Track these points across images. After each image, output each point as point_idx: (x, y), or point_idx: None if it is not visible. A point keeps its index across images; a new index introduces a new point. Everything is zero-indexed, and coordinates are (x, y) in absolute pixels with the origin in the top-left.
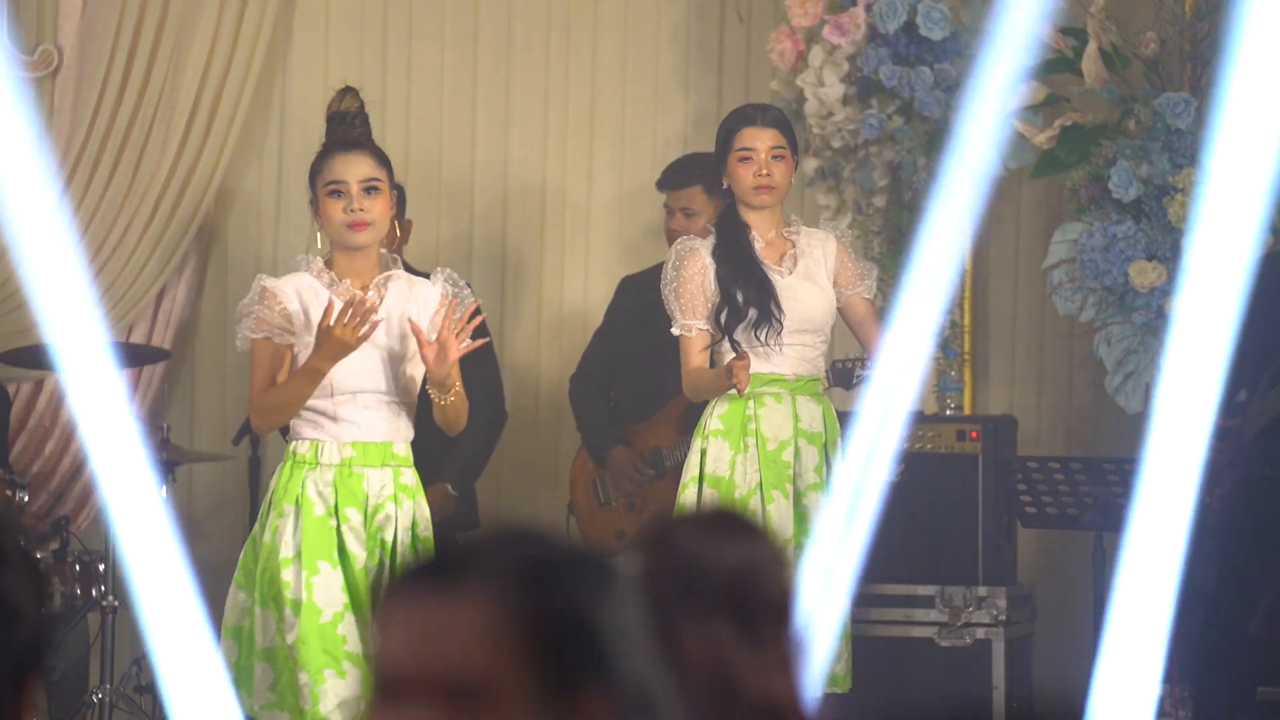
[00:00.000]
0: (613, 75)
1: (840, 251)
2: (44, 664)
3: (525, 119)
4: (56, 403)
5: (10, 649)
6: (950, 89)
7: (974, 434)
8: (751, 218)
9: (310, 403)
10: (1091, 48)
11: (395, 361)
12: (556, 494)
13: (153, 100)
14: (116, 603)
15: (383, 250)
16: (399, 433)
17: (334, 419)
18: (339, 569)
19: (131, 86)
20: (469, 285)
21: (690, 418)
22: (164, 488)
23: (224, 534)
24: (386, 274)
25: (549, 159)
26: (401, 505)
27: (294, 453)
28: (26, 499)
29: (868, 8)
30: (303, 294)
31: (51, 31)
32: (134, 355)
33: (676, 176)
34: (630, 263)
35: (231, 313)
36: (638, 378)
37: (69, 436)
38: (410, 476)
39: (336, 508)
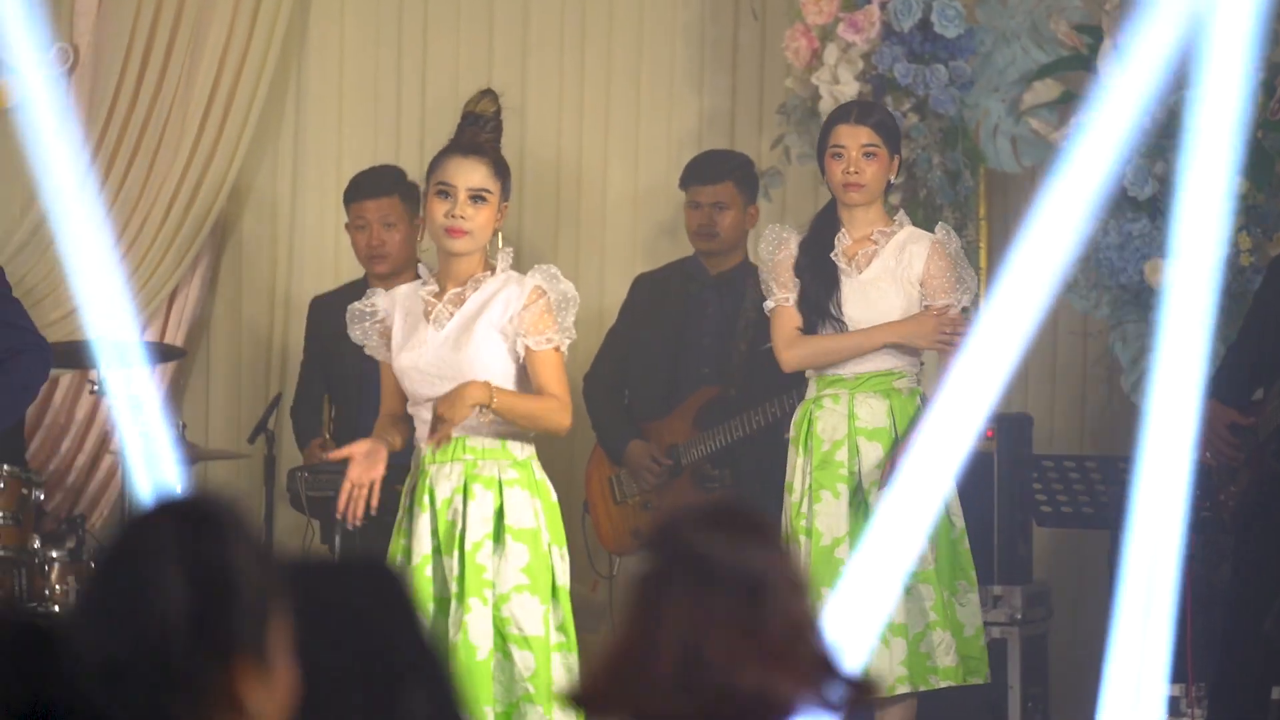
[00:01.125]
0: (627, 74)
1: (932, 256)
2: (263, 649)
3: (540, 118)
4: (72, 400)
5: (222, 624)
6: (964, 86)
7: (989, 433)
8: (844, 215)
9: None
10: (1106, 44)
11: (468, 362)
12: (572, 492)
13: (168, 98)
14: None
15: (507, 250)
16: (476, 429)
17: (421, 423)
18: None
19: (147, 84)
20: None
21: (707, 415)
22: (179, 485)
23: None
24: (477, 277)
25: (563, 158)
26: (473, 496)
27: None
28: (42, 497)
29: (882, 5)
30: (399, 303)
31: (68, 29)
32: (148, 353)
33: (706, 171)
34: (645, 261)
35: (246, 310)
36: (653, 376)
37: (85, 434)
38: (492, 468)
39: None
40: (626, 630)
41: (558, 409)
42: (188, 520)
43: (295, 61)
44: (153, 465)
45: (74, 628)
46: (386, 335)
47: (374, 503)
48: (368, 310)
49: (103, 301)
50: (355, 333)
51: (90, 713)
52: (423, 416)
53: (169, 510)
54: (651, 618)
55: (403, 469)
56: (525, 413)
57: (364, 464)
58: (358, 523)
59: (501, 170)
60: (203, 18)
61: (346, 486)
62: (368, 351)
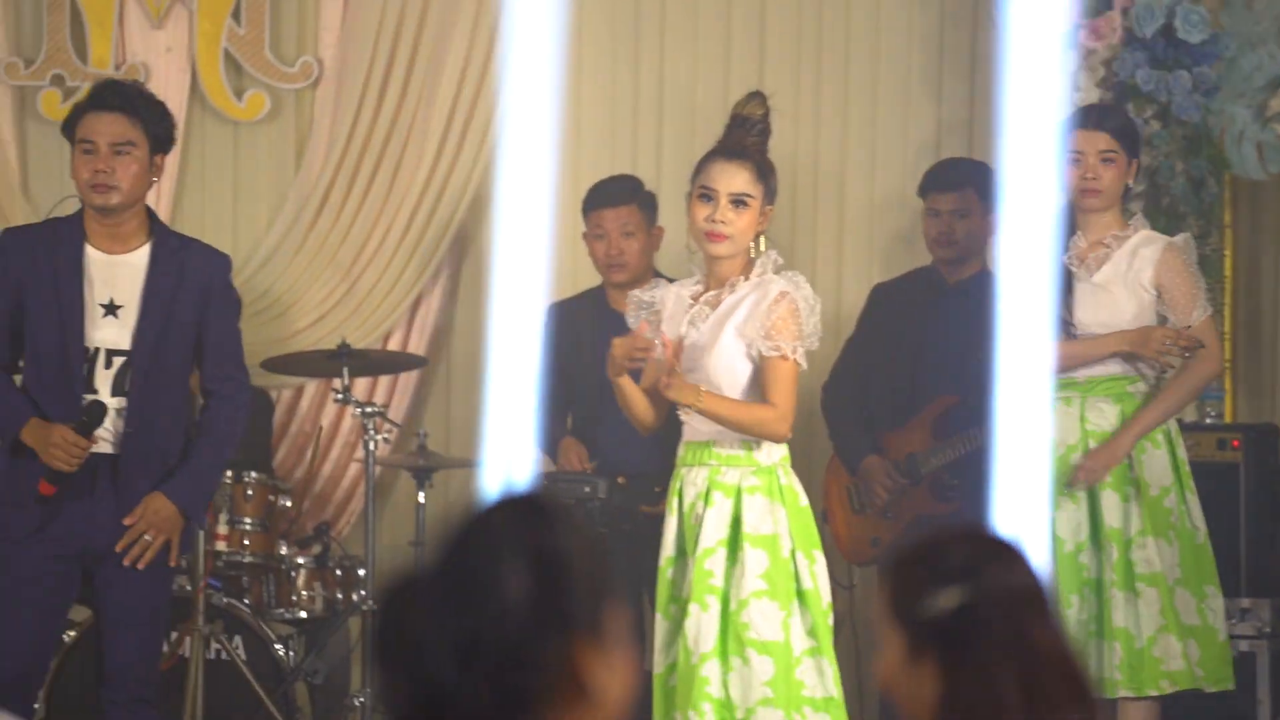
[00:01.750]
0: (864, 82)
1: (1167, 261)
2: (600, 630)
3: (777, 128)
4: (317, 409)
5: (561, 606)
6: (1208, 93)
7: (1235, 443)
8: (1080, 219)
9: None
10: None
11: (713, 365)
12: (809, 501)
13: (410, 109)
14: (377, 607)
15: (770, 253)
16: (728, 432)
17: (684, 423)
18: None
19: (389, 96)
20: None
21: (945, 423)
22: (421, 494)
23: None
24: (733, 281)
25: (799, 166)
26: (712, 503)
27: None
28: (289, 504)
29: (1124, 11)
30: (669, 300)
31: (312, 43)
32: (390, 362)
33: (946, 178)
34: (882, 269)
35: (485, 321)
36: (891, 385)
37: (330, 442)
38: (734, 475)
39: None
40: (949, 678)
41: (773, 419)
42: (525, 511)
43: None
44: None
45: (423, 612)
46: (659, 327)
47: None
48: (647, 299)
49: (348, 311)
50: (632, 320)
51: (442, 691)
52: (683, 418)
53: (507, 503)
54: (977, 661)
55: (649, 478)
56: (734, 421)
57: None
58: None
59: (765, 174)
60: (445, 29)
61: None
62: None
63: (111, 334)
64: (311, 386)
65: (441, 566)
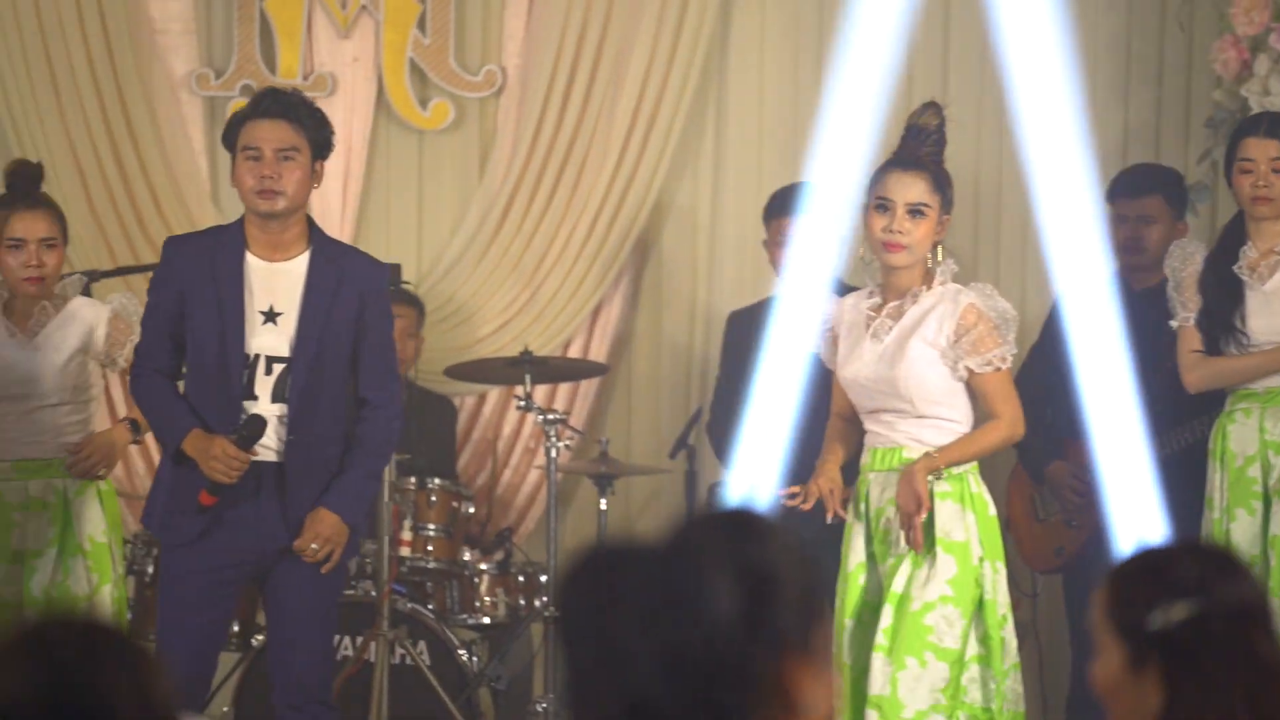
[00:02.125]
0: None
1: None
2: (810, 646)
3: (959, 130)
4: (499, 416)
5: (771, 621)
6: None
7: None
8: (1251, 227)
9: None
10: None
11: (903, 378)
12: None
13: (592, 116)
14: (559, 613)
15: (947, 262)
16: (919, 439)
17: (867, 430)
18: None
19: (572, 103)
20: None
21: None
22: (603, 500)
23: None
24: (915, 291)
25: (983, 172)
26: (884, 512)
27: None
28: (471, 510)
29: None
30: (844, 313)
31: (496, 52)
32: (571, 369)
33: (1133, 184)
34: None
35: (666, 326)
36: (1075, 392)
37: (511, 449)
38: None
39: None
40: (1173, 690)
41: (1007, 427)
42: (734, 527)
43: (716, 79)
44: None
45: (630, 624)
46: (834, 342)
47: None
48: (820, 320)
49: (530, 318)
50: (818, 347)
51: (648, 703)
52: (864, 425)
53: (716, 518)
54: (1203, 674)
55: None
56: (976, 453)
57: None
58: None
59: (942, 183)
60: (627, 37)
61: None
62: (824, 359)
63: (271, 341)
64: (494, 393)
65: (648, 581)
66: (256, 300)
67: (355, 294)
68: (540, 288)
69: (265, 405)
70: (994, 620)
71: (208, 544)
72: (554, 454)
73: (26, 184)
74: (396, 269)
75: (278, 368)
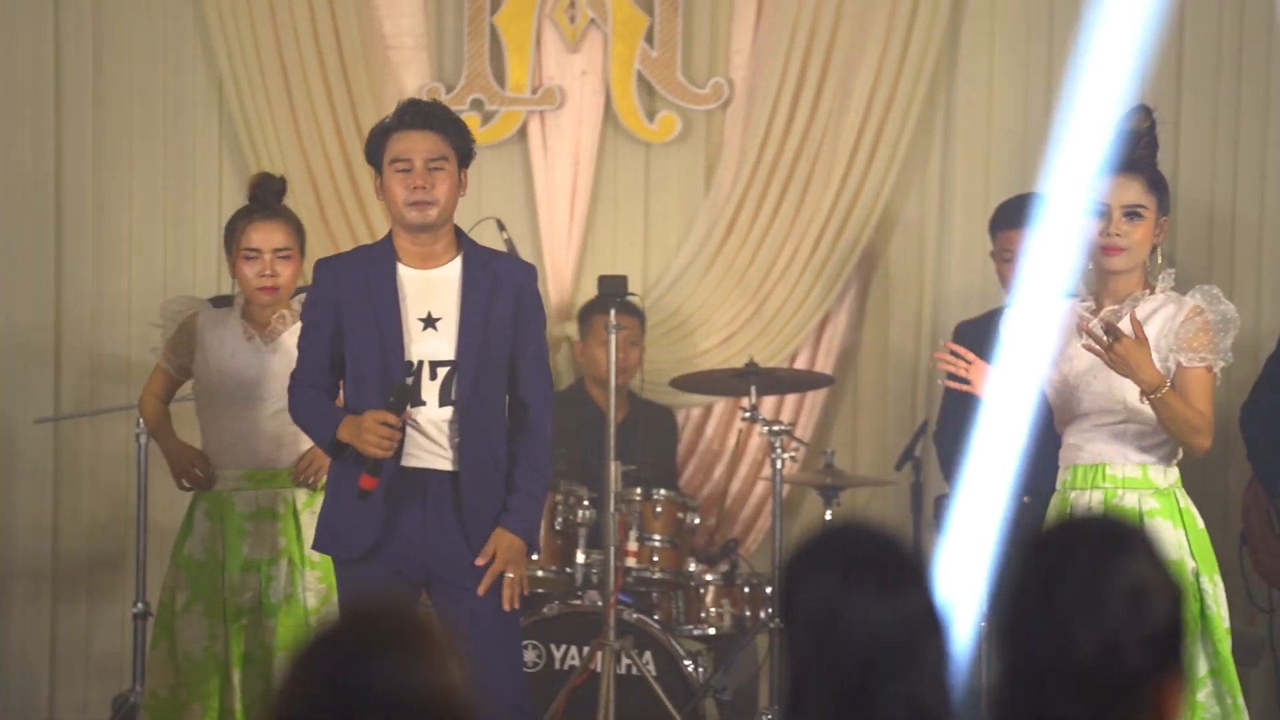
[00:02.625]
0: None
1: None
2: (1183, 662)
3: (1192, 140)
4: (725, 427)
5: (1165, 638)
6: None
7: None
8: None
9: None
10: None
11: (1119, 379)
12: (1226, 523)
13: (819, 129)
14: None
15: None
16: (1124, 454)
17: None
18: None
19: (799, 115)
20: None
21: None
22: (828, 511)
23: None
24: (1135, 296)
25: (1218, 179)
26: None
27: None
28: (696, 521)
29: None
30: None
31: (724, 65)
32: (797, 380)
33: None
34: None
35: (892, 338)
36: None
37: (738, 461)
38: (1133, 498)
39: None
40: None
41: (1203, 428)
42: (1110, 539)
43: (944, 92)
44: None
45: (1026, 631)
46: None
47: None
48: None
49: (755, 330)
50: (1012, 345)
51: (1043, 712)
52: (1067, 438)
53: (1089, 528)
54: None
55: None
56: (1182, 415)
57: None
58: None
59: (1157, 185)
60: (854, 48)
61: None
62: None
63: (433, 346)
64: (719, 405)
65: (1041, 588)
66: (413, 308)
67: (510, 296)
68: (766, 300)
69: (433, 410)
70: (1220, 633)
71: (382, 556)
72: (780, 465)
73: (269, 197)
74: (623, 281)
75: (442, 371)
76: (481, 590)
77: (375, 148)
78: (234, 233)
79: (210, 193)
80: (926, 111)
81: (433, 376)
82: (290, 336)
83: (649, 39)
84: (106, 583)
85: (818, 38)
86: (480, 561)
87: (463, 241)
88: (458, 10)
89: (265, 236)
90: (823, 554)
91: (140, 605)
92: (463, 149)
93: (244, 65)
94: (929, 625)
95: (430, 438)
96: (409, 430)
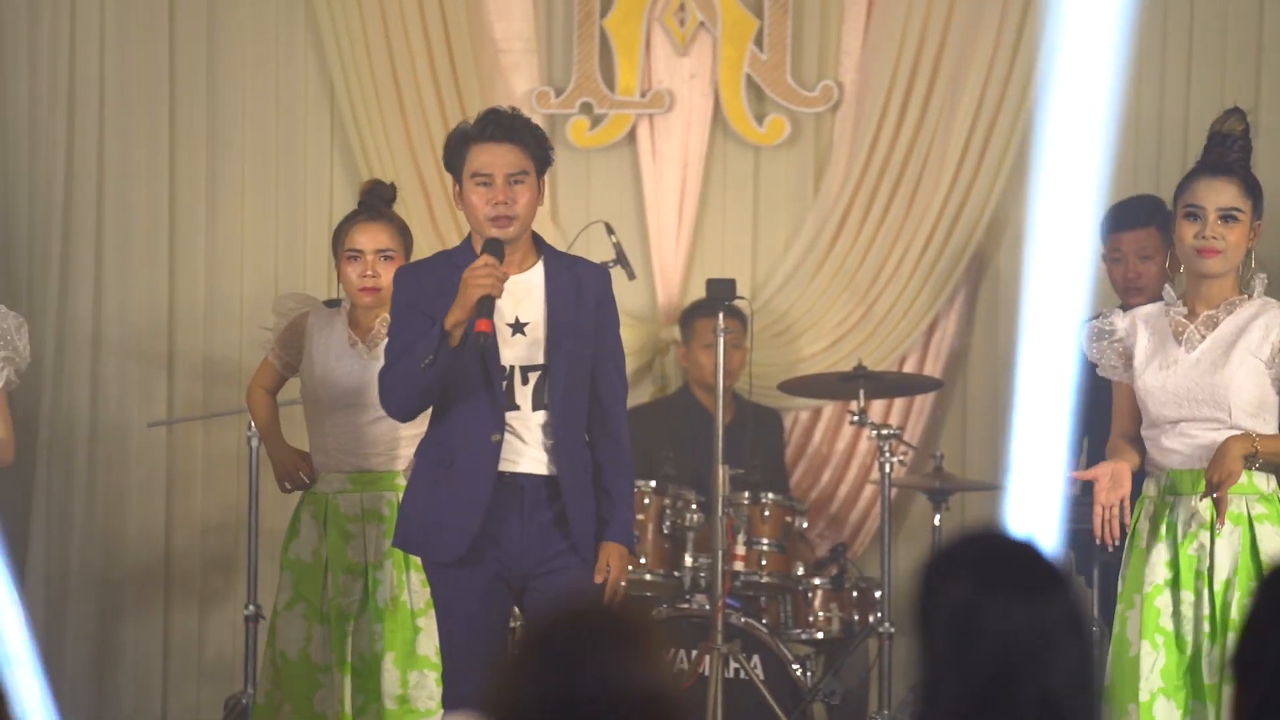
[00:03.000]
0: None
1: None
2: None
3: (1272, 146)
4: (833, 432)
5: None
6: None
7: None
8: None
9: (1144, 432)
10: None
11: (1223, 386)
12: None
13: (928, 132)
14: (893, 629)
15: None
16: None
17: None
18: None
19: (908, 118)
20: None
21: None
22: (937, 516)
23: None
24: (1231, 301)
25: None
26: (1220, 535)
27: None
28: (805, 525)
29: None
30: (1146, 323)
31: (833, 67)
32: (906, 384)
33: None
34: None
35: (1003, 342)
36: None
37: (846, 465)
38: (1240, 504)
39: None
40: None
41: None
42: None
43: (1052, 94)
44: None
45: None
46: (1124, 356)
47: (1126, 521)
48: (1106, 329)
49: (864, 334)
50: (1092, 351)
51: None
52: (1161, 442)
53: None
54: None
55: None
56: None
57: (1109, 485)
58: (1114, 544)
59: (1252, 189)
60: (964, 51)
61: (1098, 510)
62: (1100, 372)
63: (523, 351)
64: (828, 408)
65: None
66: (502, 313)
67: (592, 299)
68: (875, 303)
69: (527, 414)
70: None
71: (479, 558)
72: (888, 469)
73: (378, 202)
74: (731, 284)
75: (533, 376)
76: (600, 578)
77: (454, 156)
78: (339, 235)
79: (321, 197)
80: (1037, 112)
81: (524, 381)
82: None
83: (758, 42)
84: (218, 585)
85: (928, 39)
86: (598, 579)
87: (541, 246)
88: (568, 13)
89: (369, 237)
90: (961, 557)
91: (252, 607)
92: (541, 158)
93: (355, 69)
94: (1067, 628)
95: (526, 442)
96: (505, 436)
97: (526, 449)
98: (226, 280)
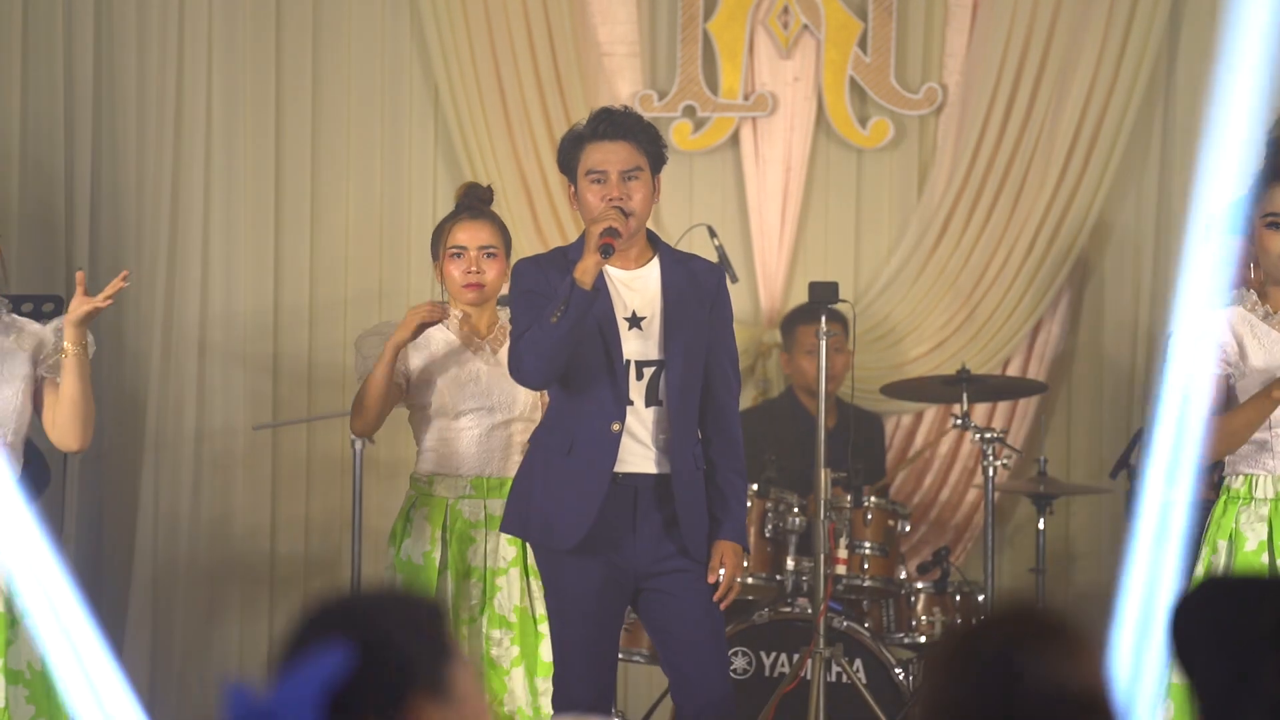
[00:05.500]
0: None
1: None
2: None
3: None
4: (936, 435)
5: None
6: None
7: None
8: None
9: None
10: None
11: None
12: None
13: (1033, 135)
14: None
15: None
16: None
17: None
18: None
19: (1013, 122)
20: None
21: None
22: (1041, 520)
23: (1100, 568)
24: None
25: None
26: None
27: (1227, 488)
28: (908, 529)
29: None
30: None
31: (937, 70)
32: (1010, 388)
33: None
34: None
35: (1107, 346)
36: None
37: (948, 468)
38: None
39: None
40: None
41: None
42: None
43: (1162, 95)
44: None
45: None
46: (1228, 352)
47: None
48: (1211, 325)
49: (967, 337)
50: (1203, 345)
51: None
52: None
53: None
54: None
55: None
56: None
57: None
58: None
59: None
60: (1070, 53)
61: None
62: (1206, 368)
63: (638, 346)
64: (930, 412)
65: None
66: (619, 308)
67: (708, 296)
68: (978, 307)
69: (640, 410)
70: None
71: (594, 549)
72: (992, 473)
73: (475, 203)
74: (833, 287)
75: (648, 372)
76: (724, 605)
77: (568, 157)
78: (440, 235)
79: (425, 200)
80: (1144, 115)
81: (639, 377)
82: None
83: (862, 44)
84: (322, 586)
85: (1033, 42)
86: (712, 579)
87: (656, 243)
88: (671, 17)
89: (471, 234)
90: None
91: None
92: (655, 156)
93: (460, 73)
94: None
95: (638, 439)
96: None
97: (638, 446)
98: (330, 284)
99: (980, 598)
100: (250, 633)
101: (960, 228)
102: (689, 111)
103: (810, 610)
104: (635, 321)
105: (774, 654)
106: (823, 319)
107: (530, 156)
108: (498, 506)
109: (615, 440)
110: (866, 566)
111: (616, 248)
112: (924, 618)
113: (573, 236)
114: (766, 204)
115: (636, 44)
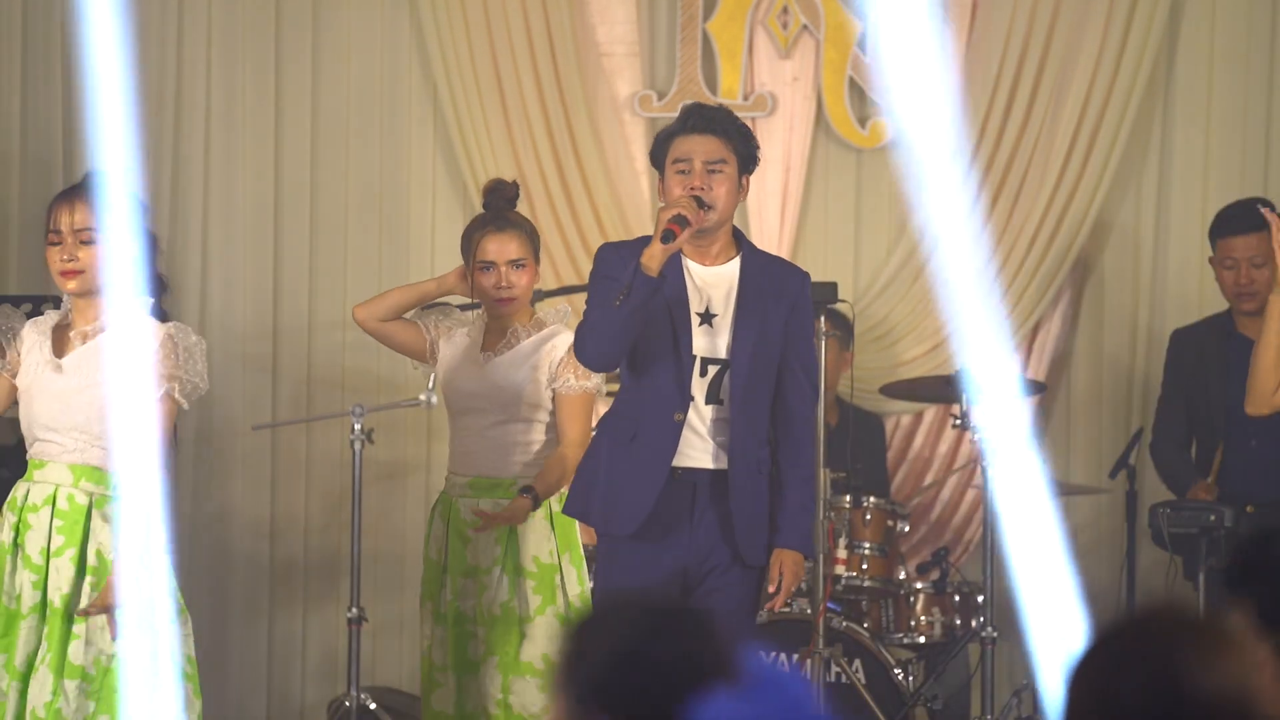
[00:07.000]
0: None
1: None
2: None
3: None
4: (935, 434)
5: None
6: None
7: None
8: None
9: None
10: None
11: None
12: None
13: (1033, 134)
14: (996, 634)
15: None
16: None
17: None
18: None
19: (1012, 121)
20: None
21: None
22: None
23: (1101, 568)
24: None
25: None
26: None
27: None
28: (907, 529)
29: None
30: None
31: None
32: (1011, 387)
33: None
34: None
35: (1107, 345)
36: None
37: (948, 468)
38: None
39: None
40: None
41: None
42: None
43: (1160, 98)
44: (1019, 498)
45: None
46: None
47: None
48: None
49: (969, 337)
50: None
51: None
52: None
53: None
54: None
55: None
56: None
57: None
58: None
59: None
60: (1069, 54)
61: None
62: None
63: (706, 342)
64: (930, 412)
65: None
66: (692, 302)
67: (787, 301)
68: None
69: (700, 407)
70: None
71: (654, 538)
72: (991, 473)
73: (501, 204)
74: (833, 287)
75: (712, 369)
76: (777, 608)
77: (659, 152)
78: (469, 242)
79: (424, 200)
80: (1143, 115)
81: (703, 373)
82: (522, 351)
83: (861, 45)
84: (322, 587)
85: (1032, 42)
86: (771, 589)
87: (741, 242)
88: (670, 17)
89: (499, 248)
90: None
91: (355, 610)
92: (745, 153)
93: (459, 72)
94: None
95: (697, 434)
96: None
97: (698, 441)
98: (330, 284)
99: (980, 598)
100: (250, 632)
101: (961, 226)
102: None
103: (810, 610)
104: (707, 318)
105: (773, 654)
106: (822, 319)
107: (529, 156)
108: (490, 506)
109: (677, 430)
110: (866, 567)
111: (680, 235)
112: (923, 618)
113: (573, 236)
114: (766, 204)
115: (636, 44)
